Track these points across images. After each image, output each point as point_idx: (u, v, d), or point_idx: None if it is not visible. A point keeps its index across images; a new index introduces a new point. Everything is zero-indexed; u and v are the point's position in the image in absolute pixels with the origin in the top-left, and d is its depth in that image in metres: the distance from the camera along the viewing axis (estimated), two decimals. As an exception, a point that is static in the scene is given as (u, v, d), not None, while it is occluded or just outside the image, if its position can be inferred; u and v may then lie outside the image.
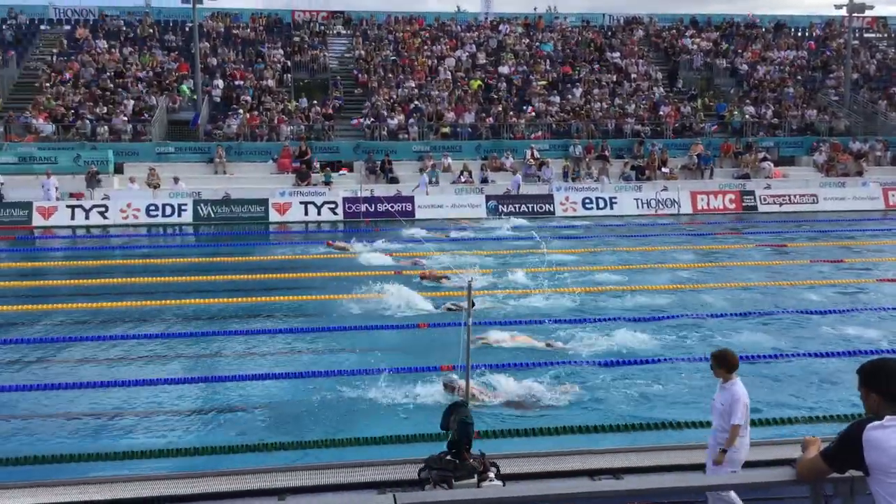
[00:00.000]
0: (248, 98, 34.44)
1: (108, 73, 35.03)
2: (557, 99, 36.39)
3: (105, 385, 10.55)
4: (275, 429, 9.24)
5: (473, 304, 7.91)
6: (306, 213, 27.98)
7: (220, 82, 35.25)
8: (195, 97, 33.61)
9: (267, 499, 6.88)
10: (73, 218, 26.23)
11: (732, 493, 6.13)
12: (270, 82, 35.94)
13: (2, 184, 27.25)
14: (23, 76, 36.18)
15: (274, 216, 27.57)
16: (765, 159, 33.33)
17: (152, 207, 26.95)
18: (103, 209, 26.58)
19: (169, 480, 7.03)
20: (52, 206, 26.37)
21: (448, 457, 6.60)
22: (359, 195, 28.18)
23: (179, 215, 26.96)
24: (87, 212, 26.46)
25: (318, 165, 31.19)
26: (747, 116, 36.15)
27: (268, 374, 11.06)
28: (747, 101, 37.58)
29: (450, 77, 37.38)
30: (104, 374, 11.13)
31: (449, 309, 13.65)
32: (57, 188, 27.13)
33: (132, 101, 33.07)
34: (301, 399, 10.08)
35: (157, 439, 8.86)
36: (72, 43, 37.57)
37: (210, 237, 25.42)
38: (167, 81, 35.08)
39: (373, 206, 28.11)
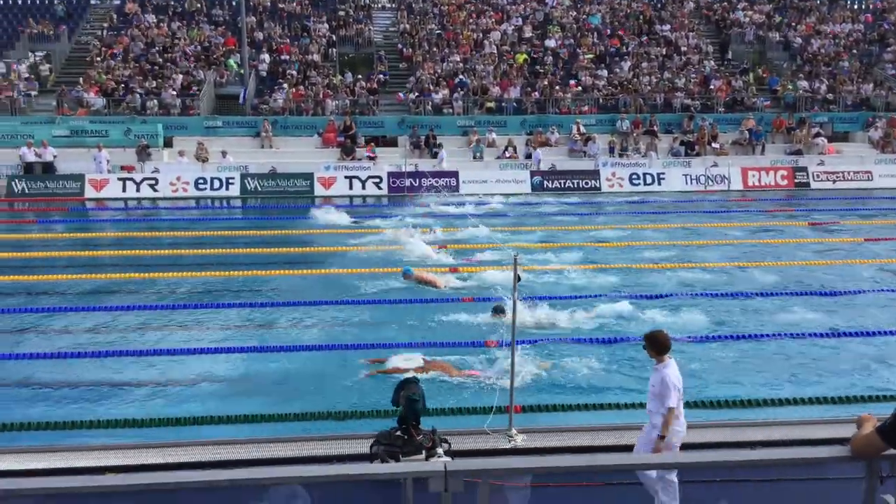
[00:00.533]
0: (294, 72, 34.60)
1: (156, 48, 35.46)
2: (605, 73, 35.88)
3: (154, 354, 10.81)
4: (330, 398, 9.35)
5: (520, 279, 7.90)
6: (351, 188, 28.12)
7: (266, 56, 35.46)
8: (242, 72, 33.87)
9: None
10: (124, 190, 26.74)
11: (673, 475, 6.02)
12: (316, 57, 36.04)
13: (55, 156, 27.85)
14: (74, 51, 36.82)
15: (319, 190, 27.76)
16: (818, 135, 32.49)
17: (201, 181, 27.34)
18: (153, 182, 27.06)
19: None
20: (104, 178, 26.91)
21: (398, 432, 6.72)
22: (403, 170, 28.23)
23: (227, 189, 27.32)
24: (137, 184, 26.95)
25: (362, 140, 31.31)
26: (801, 91, 35.22)
27: (319, 345, 11.23)
28: (801, 75, 36.59)
29: (495, 51, 37.08)
30: (162, 342, 11.38)
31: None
32: (108, 161, 27.69)
33: (180, 76, 33.46)
34: (345, 370, 10.22)
35: (213, 405, 9.04)
36: (121, 17, 38.08)
37: (257, 210, 25.70)
38: (214, 56, 35.40)
39: (417, 180, 28.13)
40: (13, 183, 26.46)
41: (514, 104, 33.70)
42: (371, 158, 30.06)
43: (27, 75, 33.85)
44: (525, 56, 36.79)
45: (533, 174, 28.85)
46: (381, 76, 35.58)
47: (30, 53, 36.67)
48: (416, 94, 33.89)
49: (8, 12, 38.53)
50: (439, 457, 6.67)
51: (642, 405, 7.45)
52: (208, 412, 8.77)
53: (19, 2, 39.47)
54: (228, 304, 13.36)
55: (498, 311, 11.79)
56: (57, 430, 8.38)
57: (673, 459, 5.79)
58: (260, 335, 11.87)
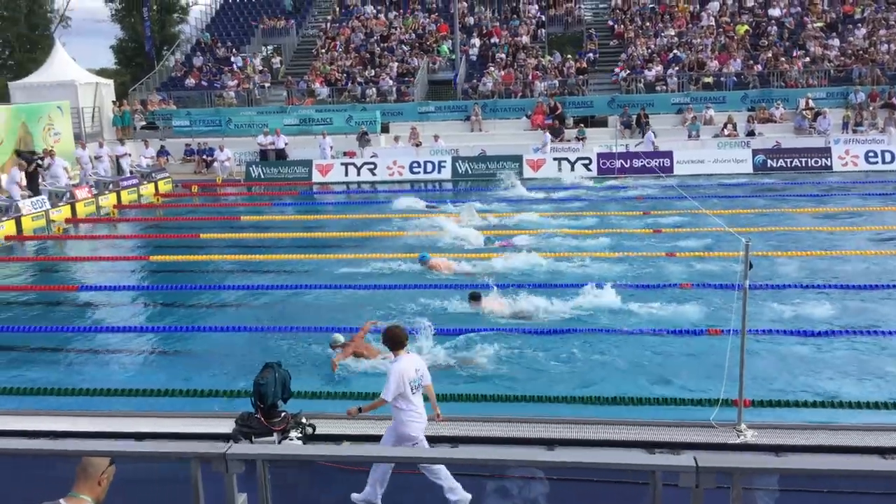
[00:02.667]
0: (503, 55, 34.91)
1: (375, 38, 37.16)
2: (836, 42, 33.00)
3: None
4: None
5: (751, 266, 7.49)
6: (559, 170, 27.95)
7: (476, 41, 36.05)
8: (453, 57, 34.68)
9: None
10: (346, 174, 28.36)
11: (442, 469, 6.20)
12: (525, 38, 36.12)
13: (286, 144, 30.05)
14: (301, 43, 39.45)
15: (528, 172, 27.85)
16: None
17: (415, 164, 28.38)
18: (372, 166, 28.46)
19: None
20: (329, 163, 28.67)
21: (257, 415, 7.26)
22: (613, 150, 27.65)
23: (439, 172, 28.15)
24: (358, 169, 28.46)
25: (571, 121, 31.03)
26: None
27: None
28: None
29: (713, 23, 35.24)
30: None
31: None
32: (332, 147, 29.46)
33: (396, 64, 34.86)
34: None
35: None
36: (343, 9, 40.25)
37: (467, 192, 26.18)
38: (428, 43, 36.51)
39: (628, 161, 27.46)
40: (251, 168, 28.88)
41: (734, 79, 31.89)
42: (579, 140, 29.74)
43: (261, 68, 36.75)
44: (746, 27, 34.65)
45: (755, 153, 27.17)
46: (591, 55, 35.02)
47: (263, 47, 39.83)
48: (628, 71, 33.01)
49: (244, 9, 41.93)
50: (291, 440, 7.21)
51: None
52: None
53: None
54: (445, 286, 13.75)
55: (473, 297, 11.88)
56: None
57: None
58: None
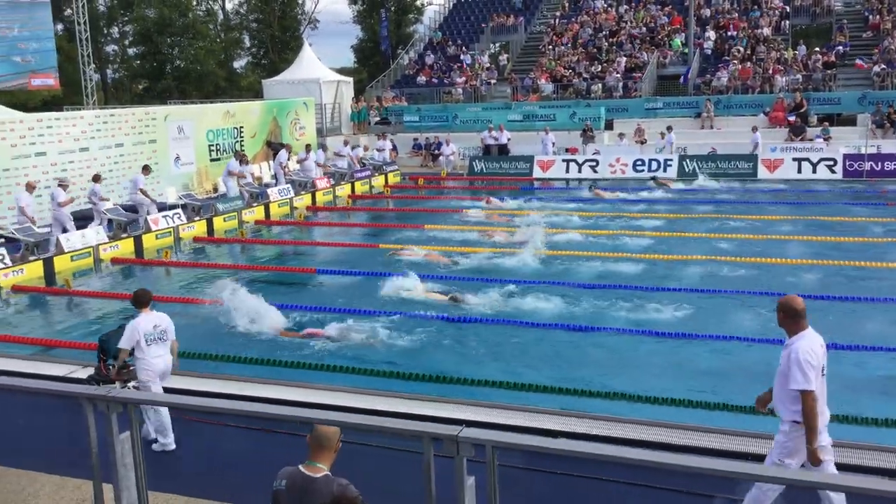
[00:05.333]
0: (741, 48, 33.03)
1: (603, 32, 36.60)
2: None
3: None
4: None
5: None
6: (799, 171, 25.95)
7: (711, 34, 34.41)
8: (686, 51, 33.35)
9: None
10: (567, 171, 28.18)
11: None
12: (766, 30, 33.95)
13: (509, 139, 30.42)
14: (528, 40, 39.74)
15: (763, 173, 26.16)
16: None
17: (639, 162, 27.60)
18: (594, 164, 28.05)
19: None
20: (550, 159, 28.65)
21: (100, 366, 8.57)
22: (863, 152, 25.25)
23: (665, 170, 27.16)
24: (579, 166, 28.19)
25: (815, 119, 28.75)
26: None
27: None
28: None
29: None
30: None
31: (453, 299, 12.86)
32: (554, 143, 29.41)
33: (624, 59, 34.11)
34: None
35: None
36: (573, 5, 40.04)
37: (708, 193, 25.00)
38: (659, 37, 35.39)
39: (879, 164, 24.96)
40: (474, 163, 29.55)
41: None
42: (824, 140, 27.47)
43: (488, 65, 37.49)
44: None
45: None
46: (841, 47, 32.20)
47: (491, 45, 40.59)
48: (883, 66, 29.99)
49: (475, 8, 42.98)
50: (127, 388, 8.01)
51: None
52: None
53: (485, -2, 43.78)
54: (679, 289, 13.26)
55: (453, 299, 12.76)
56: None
57: None
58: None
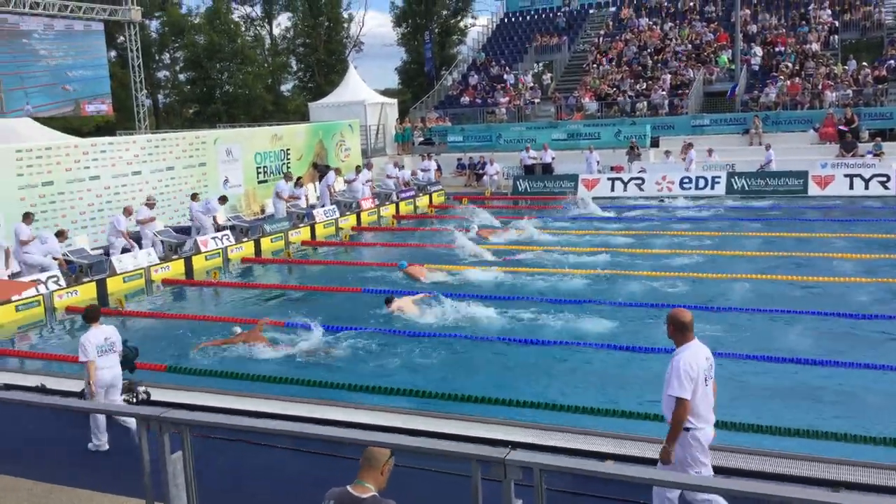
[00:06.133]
0: (789, 64, 32.57)
1: (648, 50, 36.41)
2: None
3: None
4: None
5: None
6: (851, 188, 25.41)
7: (759, 50, 34.00)
8: (733, 67, 32.99)
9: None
10: (612, 189, 27.97)
11: None
12: (815, 45, 33.44)
13: (553, 158, 30.34)
14: (572, 59, 39.71)
15: (813, 190, 25.67)
16: None
17: (685, 180, 27.29)
18: (640, 181, 27.81)
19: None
20: (595, 178, 28.48)
21: None
22: (917, 167, 24.64)
23: (712, 188, 26.81)
24: (625, 184, 27.97)
25: (866, 134, 28.14)
26: None
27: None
28: None
29: None
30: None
31: None
32: (598, 161, 29.26)
33: (669, 76, 33.87)
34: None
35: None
36: (616, 23, 39.93)
37: (743, 210, 24.72)
38: (705, 53, 35.09)
39: (934, 179, 24.33)
40: (518, 182, 29.52)
41: None
42: (876, 155, 26.87)
43: (532, 84, 37.51)
44: None
45: None
46: (892, 61, 31.55)
47: (534, 64, 40.64)
48: (938, 79, 29.32)
49: (518, 28, 43.15)
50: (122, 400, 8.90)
51: None
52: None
53: (528, 18, 43.93)
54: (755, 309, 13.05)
55: (386, 301, 13.76)
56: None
57: None
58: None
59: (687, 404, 5.66)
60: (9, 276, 15.87)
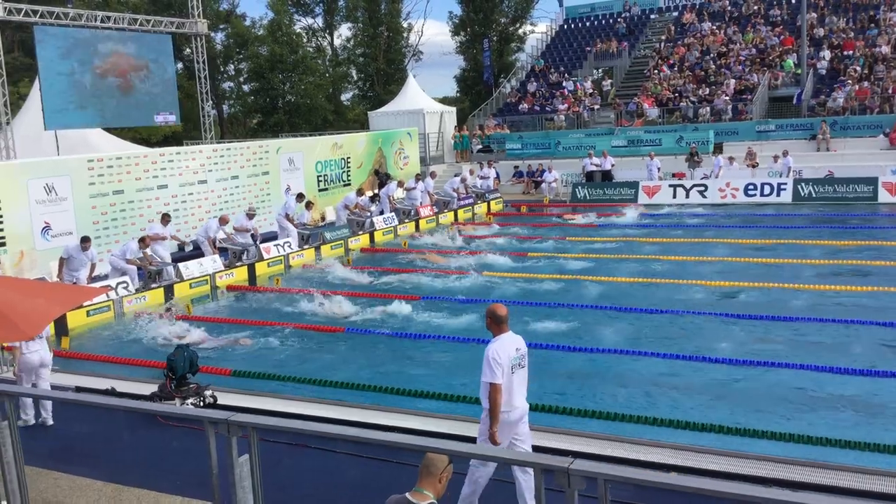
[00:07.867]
0: (858, 68, 31.64)
1: (711, 55, 35.80)
2: None
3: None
4: None
5: None
6: (926, 195, 24.57)
7: (826, 53, 33.14)
8: (799, 71, 32.21)
9: None
10: (674, 197, 27.55)
11: None
12: (885, 49, 32.42)
13: (613, 165, 30.03)
14: (633, 65, 39.29)
15: (884, 196, 24.87)
16: None
17: (750, 187, 26.72)
18: (703, 188, 27.33)
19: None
20: (656, 185, 28.10)
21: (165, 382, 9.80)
22: None
23: (778, 195, 26.20)
24: (687, 191, 27.52)
25: (942, 139, 27.17)
26: None
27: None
28: None
29: None
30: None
31: None
32: (659, 168, 28.85)
33: (733, 81, 33.24)
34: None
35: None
36: (678, 28, 39.37)
37: (810, 218, 24.09)
38: (770, 58, 34.35)
39: None
40: (577, 189, 29.30)
41: None
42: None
43: (591, 91, 37.23)
44: None
45: None
46: (969, 63, 30.43)
47: (594, 70, 40.34)
48: None
49: (578, 35, 42.90)
50: (186, 405, 9.24)
51: None
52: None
53: (587, 24, 43.65)
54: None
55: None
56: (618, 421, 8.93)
57: None
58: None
59: (499, 387, 6.21)
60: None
